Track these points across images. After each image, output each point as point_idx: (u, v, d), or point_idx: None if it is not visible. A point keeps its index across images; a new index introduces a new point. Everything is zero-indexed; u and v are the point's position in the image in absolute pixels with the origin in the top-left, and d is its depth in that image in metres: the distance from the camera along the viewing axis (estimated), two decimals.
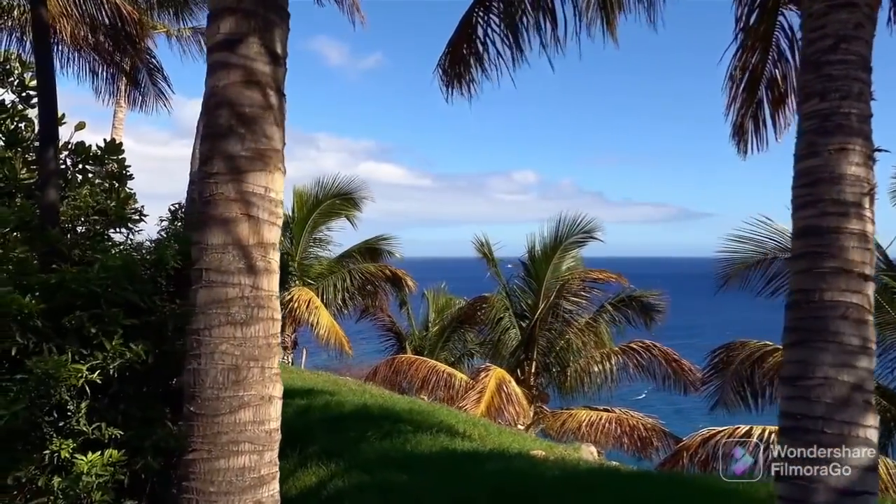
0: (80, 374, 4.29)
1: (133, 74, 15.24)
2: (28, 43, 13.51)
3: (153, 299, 5.09)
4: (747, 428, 9.44)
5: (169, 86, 15.47)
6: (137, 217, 6.07)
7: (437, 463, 6.61)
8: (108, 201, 6.44)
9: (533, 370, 15.54)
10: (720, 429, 9.47)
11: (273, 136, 3.56)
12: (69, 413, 4.52)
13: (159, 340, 4.98)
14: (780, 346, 11.30)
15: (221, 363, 3.44)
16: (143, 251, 5.74)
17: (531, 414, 14.46)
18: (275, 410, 3.54)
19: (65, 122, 6.55)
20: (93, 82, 15.11)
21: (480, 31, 6.65)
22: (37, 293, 4.68)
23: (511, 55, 6.54)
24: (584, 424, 13.33)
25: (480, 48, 6.58)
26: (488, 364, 14.41)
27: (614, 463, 9.06)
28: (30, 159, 6.60)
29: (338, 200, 17.01)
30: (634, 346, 15.15)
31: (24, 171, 6.38)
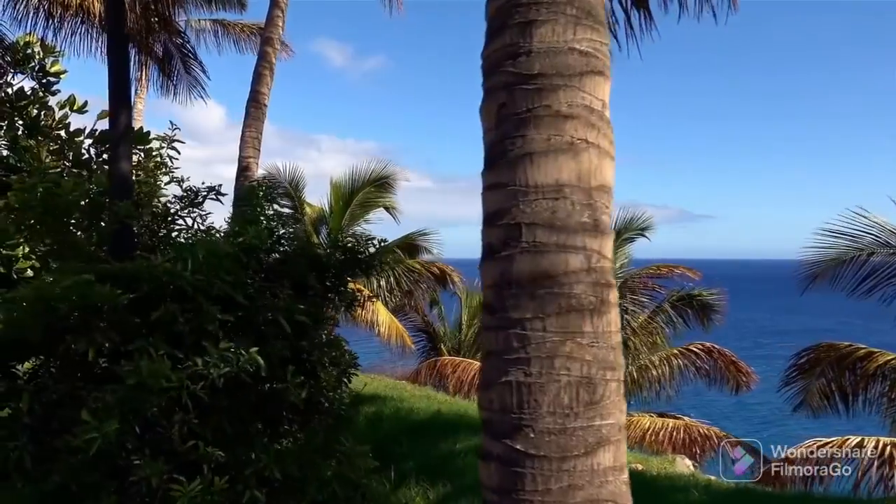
0: (182, 385, 3.41)
1: (165, 60, 14.38)
2: (55, 23, 12.70)
3: (248, 291, 4.25)
4: (858, 439, 8.56)
5: (204, 72, 14.59)
6: (214, 197, 5.25)
7: None
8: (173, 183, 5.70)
9: None
10: (828, 440, 8.59)
11: (605, 25, 2.30)
12: (159, 429, 3.67)
13: (258, 341, 4.13)
14: (874, 350, 10.54)
15: (566, 374, 2.10)
16: (224, 234, 4.89)
17: None
18: (625, 447, 2.25)
19: (87, 111, 6.36)
20: None
21: None
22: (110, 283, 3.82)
23: (640, 20, 5.68)
24: (648, 433, 12.39)
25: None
26: None
27: (711, 477, 8.16)
28: (52, 148, 6.16)
29: (373, 188, 16.01)
30: (695, 349, 14.26)
31: (48, 160, 5.82)
